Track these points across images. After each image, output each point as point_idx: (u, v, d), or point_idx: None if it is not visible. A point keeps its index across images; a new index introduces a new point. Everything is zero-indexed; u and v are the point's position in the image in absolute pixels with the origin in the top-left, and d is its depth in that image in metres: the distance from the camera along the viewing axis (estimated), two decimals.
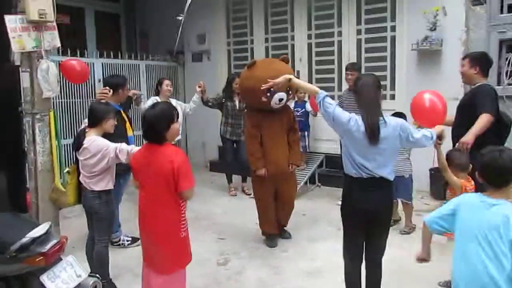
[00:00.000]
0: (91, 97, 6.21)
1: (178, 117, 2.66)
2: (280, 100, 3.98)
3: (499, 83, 5.21)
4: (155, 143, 2.55)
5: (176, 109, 2.69)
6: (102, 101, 3.54)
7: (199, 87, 5.28)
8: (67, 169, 3.44)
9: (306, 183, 6.10)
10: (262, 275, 3.66)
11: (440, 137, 2.86)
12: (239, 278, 3.63)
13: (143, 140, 2.67)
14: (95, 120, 3.13)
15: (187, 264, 2.72)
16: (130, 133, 4.17)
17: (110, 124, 3.17)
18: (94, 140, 3.06)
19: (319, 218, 5.02)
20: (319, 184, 6.32)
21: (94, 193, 3.13)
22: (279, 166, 4.14)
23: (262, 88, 3.31)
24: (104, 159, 3.04)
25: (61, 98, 6.02)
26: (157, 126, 2.51)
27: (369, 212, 2.66)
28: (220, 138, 6.25)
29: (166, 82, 5.12)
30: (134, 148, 3.02)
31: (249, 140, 4.22)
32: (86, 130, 3.16)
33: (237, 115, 5.99)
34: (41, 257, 2.46)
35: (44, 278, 2.47)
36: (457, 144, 3.43)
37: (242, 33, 7.50)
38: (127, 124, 4.09)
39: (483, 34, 5.32)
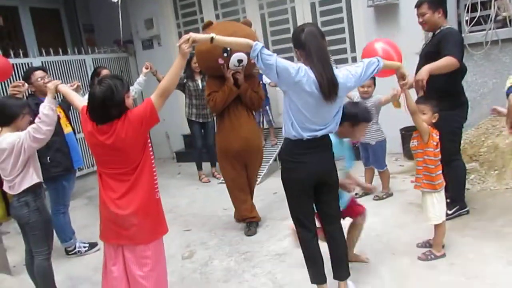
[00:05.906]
0: None
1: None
2: (239, 61, 3.44)
3: (460, 32, 4.96)
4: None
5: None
6: (17, 96, 3.08)
7: (146, 68, 4.86)
8: None
9: (276, 160, 5.78)
10: (230, 263, 3.34)
11: (403, 76, 2.56)
12: (204, 270, 3.30)
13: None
14: (6, 117, 2.70)
15: (166, 232, 2.51)
16: (67, 129, 3.75)
17: (25, 121, 2.75)
18: (5, 138, 2.65)
19: None
20: None
21: (20, 200, 2.71)
22: (248, 141, 3.71)
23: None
24: (21, 152, 2.63)
25: None
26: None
27: (317, 174, 2.39)
28: (187, 123, 5.87)
29: (104, 72, 4.37)
30: (46, 109, 2.65)
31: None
32: None
33: (201, 95, 5.56)
34: None
35: None
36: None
37: (191, 12, 7.04)
38: (63, 120, 3.66)
39: None
